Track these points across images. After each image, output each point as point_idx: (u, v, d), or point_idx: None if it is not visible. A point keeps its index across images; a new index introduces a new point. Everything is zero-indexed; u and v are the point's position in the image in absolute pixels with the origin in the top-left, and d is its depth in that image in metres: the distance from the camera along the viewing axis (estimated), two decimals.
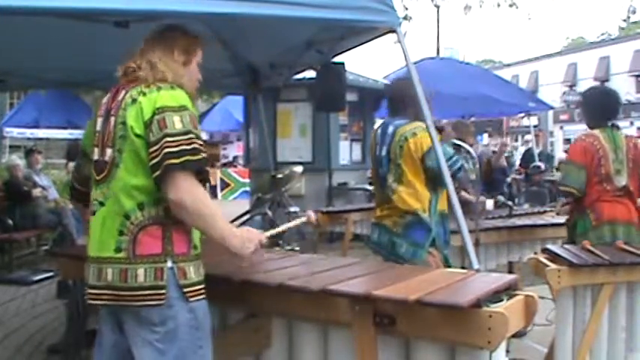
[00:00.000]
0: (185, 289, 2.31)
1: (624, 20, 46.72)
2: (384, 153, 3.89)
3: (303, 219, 2.89)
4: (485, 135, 23.20)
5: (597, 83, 33.24)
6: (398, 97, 3.94)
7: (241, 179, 17.71)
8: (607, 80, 33.66)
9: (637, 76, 32.52)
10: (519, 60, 42.37)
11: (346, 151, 10.83)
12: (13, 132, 17.19)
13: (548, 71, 37.61)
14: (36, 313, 5.94)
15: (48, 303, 6.14)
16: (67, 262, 3.43)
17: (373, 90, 10.62)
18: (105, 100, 2.49)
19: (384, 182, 3.87)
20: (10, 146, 18.64)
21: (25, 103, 16.86)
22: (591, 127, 4.41)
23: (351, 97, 9.72)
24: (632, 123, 30.60)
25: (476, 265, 3.23)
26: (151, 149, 2.24)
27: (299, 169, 5.91)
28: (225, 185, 18.48)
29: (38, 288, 6.77)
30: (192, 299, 2.32)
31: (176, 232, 2.33)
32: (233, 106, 16.33)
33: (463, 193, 5.06)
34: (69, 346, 4.01)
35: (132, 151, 2.30)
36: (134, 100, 2.33)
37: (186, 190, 2.22)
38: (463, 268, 3.80)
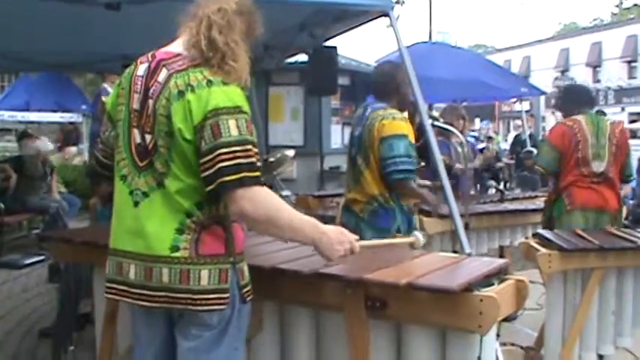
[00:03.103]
0: (243, 290, 2.18)
1: (617, 6, 46.74)
2: (356, 133, 3.85)
3: (411, 239, 2.67)
4: (477, 120, 23.21)
5: (589, 69, 33.47)
6: (382, 81, 3.86)
7: None
8: (599, 66, 33.72)
9: (629, 61, 32.56)
10: (512, 45, 42.37)
11: (338, 135, 10.82)
12: (4, 115, 17.08)
13: (540, 56, 37.58)
14: (27, 296, 5.93)
15: (39, 287, 6.13)
16: (58, 245, 3.41)
17: (365, 74, 10.59)
18: (141, 73, 2.16)
19: (355, 163, 3.82)
20: (1, 129, 18.52)
21: (15, 86, 16.75)
22: (567, 115, 4.49)
23: (343, 81, 9.72)
24: (623, 109, 30.71)
25: (467, 250, 3.25)
26: (203, 160, 2.00)
27: (291, 152, 5.90)
28: None
29: (29, 272, 6.75)
30: (247, 300, 2.20)
31: (236, 230, 2.17)
32: None
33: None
34: (60, 329, 4.01)
35: (180, 152, 2.05)
36: (181, 93, 2.03)
37: (250, 200, 2.00)
38: (454, 252, 3.82)
